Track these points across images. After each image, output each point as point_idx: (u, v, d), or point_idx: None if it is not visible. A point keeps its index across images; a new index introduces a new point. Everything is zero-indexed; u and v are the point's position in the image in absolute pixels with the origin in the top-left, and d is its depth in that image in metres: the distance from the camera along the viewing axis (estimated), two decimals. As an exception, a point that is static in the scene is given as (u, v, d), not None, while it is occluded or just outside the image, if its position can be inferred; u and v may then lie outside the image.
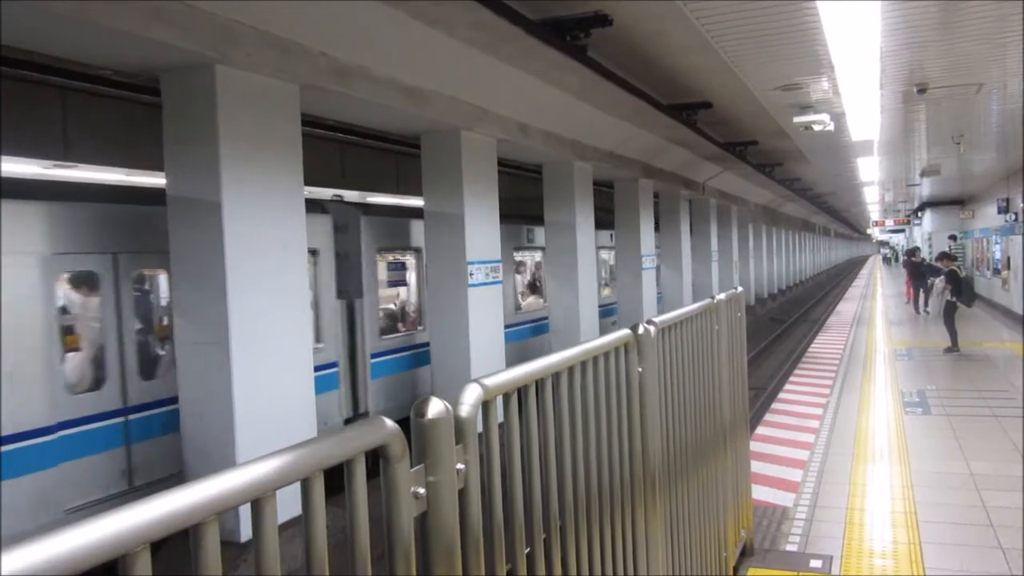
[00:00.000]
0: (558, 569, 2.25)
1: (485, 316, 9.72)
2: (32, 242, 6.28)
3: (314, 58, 6.73)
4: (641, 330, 3.07)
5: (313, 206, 8.62)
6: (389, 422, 1.54)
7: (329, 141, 12.13)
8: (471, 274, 9.41)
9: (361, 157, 13.11)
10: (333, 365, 9.22)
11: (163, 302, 7.47)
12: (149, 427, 7.06)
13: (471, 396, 1.84)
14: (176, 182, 6.18)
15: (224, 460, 5.98)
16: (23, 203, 6.28)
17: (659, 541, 3.10)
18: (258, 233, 6.30)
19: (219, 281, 6.01)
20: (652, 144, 14.58)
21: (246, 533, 5.54)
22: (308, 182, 7.10)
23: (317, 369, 7.23)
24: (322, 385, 8.28)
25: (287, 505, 1.53)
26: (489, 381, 1.94)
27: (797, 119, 11.28)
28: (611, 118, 11.90)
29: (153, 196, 7.10)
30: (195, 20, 5.60)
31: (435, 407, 1.69)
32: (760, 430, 8.52)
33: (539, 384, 2.22)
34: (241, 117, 6.18)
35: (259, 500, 1.22)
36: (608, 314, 16.03)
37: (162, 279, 7.39)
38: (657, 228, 17.93)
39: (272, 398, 6.32)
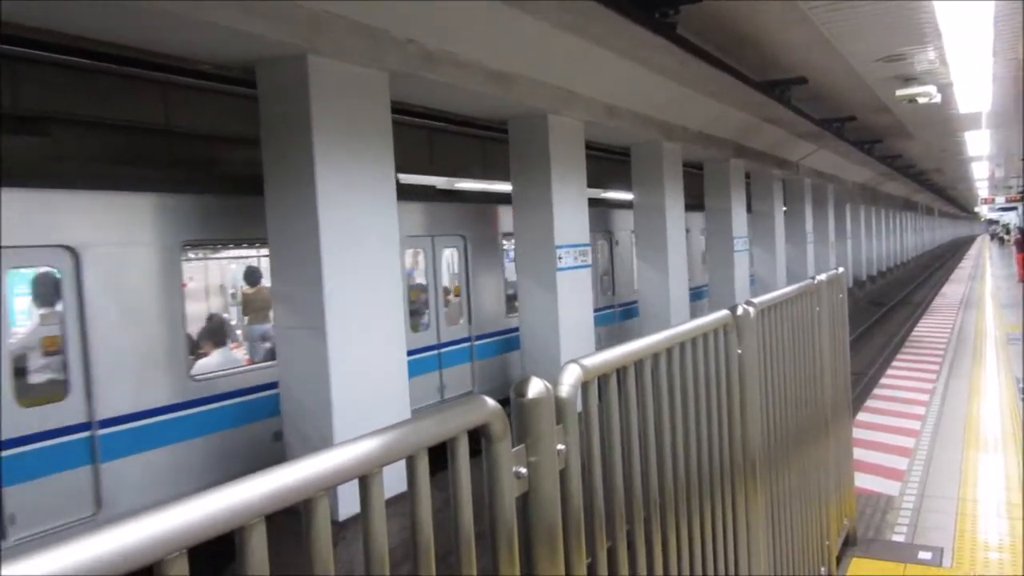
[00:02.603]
0: (658, 553, 2.21)
1: (574, 300, 9.67)
2: None
3: (402, 45, 6.80)
4: (740, 311, 2.97)
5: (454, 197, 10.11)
6: (491, 401, 1.53)
7: (417, 128, 12.27)
8: (560, 258, 9.37)
9: (448, 143, 13.22)
10: (468, 340, 9.87)
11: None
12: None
13: (571, 376, 1.82)
14: (272, 171, 6.36)
15: (322, 442, 6.15)
16: None
17: (760, 529, 3.01)
18: (351, 219, 6.42)
19: (314, 267, 6.16)
20: (743, 123, 14.17)
21: (343, 512, 5.69)
22: (397, 169, 7.20)
23: (458, 343, 9.65)
24: (462, 357, 9.91)
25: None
26: (588, 361, 1.91)
27: (900, 92, 10.77)
28: (701, 97, 11.61)
29: None
30: (288, 12, 5.73)
31: (535, 387, 1.67)
32: (861, 416, 8.21)
33: (638, 366, 2.18)
34: (333, 105, 6.30)
35: (366, 477, 1.22)
36: (696, 298, 15.72)
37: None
38: (749, 210, 17.46)
39: (367, 381, 6.45)
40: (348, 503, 1.19)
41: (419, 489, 1.34)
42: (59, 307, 5.89)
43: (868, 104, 13.50)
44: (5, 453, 5.36)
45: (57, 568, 0.77)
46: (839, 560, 4.52)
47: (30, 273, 5.86)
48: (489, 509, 1.53)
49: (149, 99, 8.81)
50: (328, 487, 1.13)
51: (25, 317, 5.95)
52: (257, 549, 1.01)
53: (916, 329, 15.29)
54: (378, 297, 6.68)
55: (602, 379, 2.00)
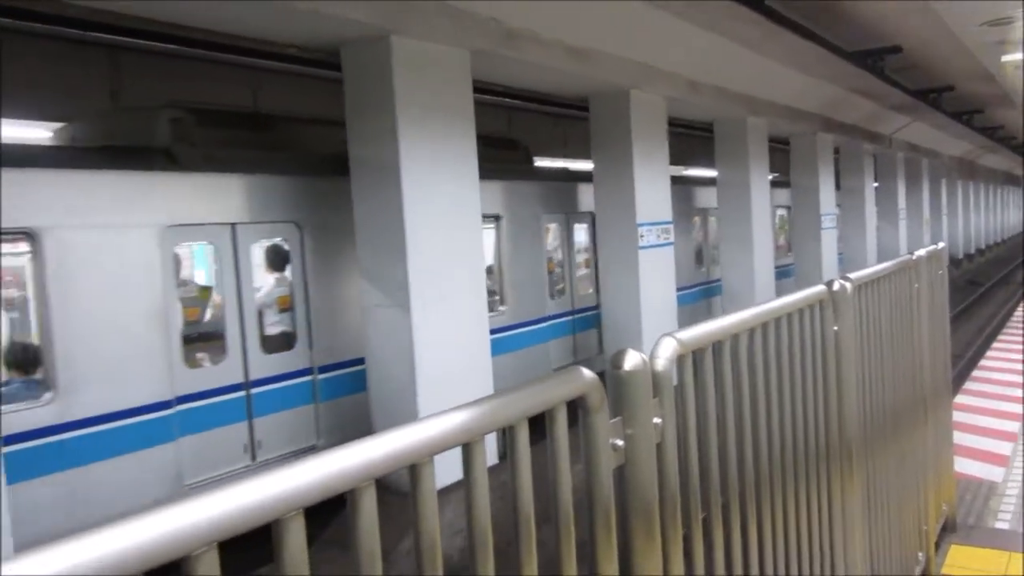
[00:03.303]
0: (752, 531, 2.17)
1: (656, 278, 9.56)
2: None
3: (484, 24, 6.79)
4: (837, 286, 2.88)
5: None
6: (588, 372, 1.52)
7: (497, 107, 12.26)
8: (641, 236, 9.26)
9: (528, 121, 13.17)
10: (569, 313, 9.97)
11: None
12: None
13: (667, 349, 1.79)
14: (357, 150, 6.47)
15: (407, 418, 6.26)
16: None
17: (856, 510, 2.93)
18: (435, 197, 6.49)
19: (399, 245, 6.26)
20: (832, 95, 13.65)
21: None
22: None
23: (588, 310, 9.63)
24: (592, 323, 10.06)
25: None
26: (683, 335, 1.88)
27: (1005, 58, 10.18)
28: (787, 70, 11.24)
29: None
30: (373, -7, 5.79)
31: (632, 359, 1.65)
32: (959, 399, 7.87)
33: (733, 340, 2.13)
34: (416, 85, 6.36)
35: (469, 444, 1.24)
36: (781, 276, 15.30)
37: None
38: (838, 186, 16.85)
39: (450, 359, 6.53)
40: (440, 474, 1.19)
41: (519, 458, 1.34)
42: (287, 272, 6.86)
43: (969, 72, 12.81)
44: (255, 391, 6.40)
45: (188, 523, 0.80)
46: (937, 546, 4.36)
47: (267, 244, 6.80)
48: (587, 481, 1.53)
49: (239, 83, 9.07)
50: (434, 453, 1.14)
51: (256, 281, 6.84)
52: (367, 511, 1.03)
53: (1019, 309, 14.53)
54: (461, 276, 6.75)
55: (697, 354, 1.97)
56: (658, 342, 1.82)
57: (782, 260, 16.09)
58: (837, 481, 2.79)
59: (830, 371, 2.78)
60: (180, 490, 5.81)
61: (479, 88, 9.06)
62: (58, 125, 7.27)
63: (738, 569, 2.07)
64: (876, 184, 19.91)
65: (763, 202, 12.62)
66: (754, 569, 2.15)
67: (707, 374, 2.02)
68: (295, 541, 0.90)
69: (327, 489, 0.96)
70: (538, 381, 1.45)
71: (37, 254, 5.23)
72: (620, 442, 1.60)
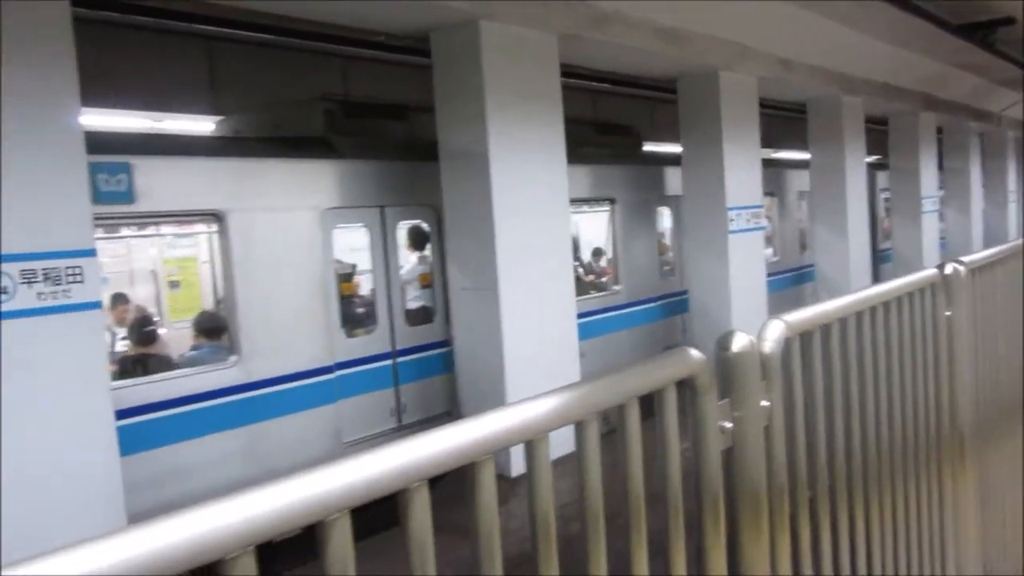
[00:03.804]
0: (859, 517, 2.10)
1: (747, 264, 9.34)
2: None
3: (573, 7, 6.75)
4: (949, 270, 2.75)
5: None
6: (697, 352, 1.51)
7: (583, 91, 12.17)
8: (731, 220, 9.06)
9: (614, 104, 13.03)
10: (679, 294, 9.97)
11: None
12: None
13: (774, 332, 1.75)
14: (447, 136, 6.54)
15: (495, 400, 6.33)
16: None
17: (970, 506, 2.80)
18: (523, 182, 6.51)
19: (487, 229, 6.30)
20: (935, 72, 12.99)
21: (516, 469, 5.84)
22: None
23: (671, 296, 9.68)
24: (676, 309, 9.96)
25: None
26: (791, 317, 1.84)
27: None
28: (886, 45, 10.75)
29: None
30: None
31: (740, 341, 1.63)
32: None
33: (842, 324, 2.07)
34: (504, 70, 6.37)
35: (582, 423, 1.24)
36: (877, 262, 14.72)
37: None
38: (940, 167, 16.06)
39: (538, 341, 6.56)
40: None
41: (630, 436, 1.34)
42: (427, 251, 7.27)
43: (1088, 44, 11.98)
44: (400, 360, 6.86)
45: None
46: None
47: (409, 225, 7.23)
48: (696, 462, 1.51)
49: (331, 72, 9.28)
50: (550, 430, 1.15)
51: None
52: (487, 485, 1.05)
53: None
54: (549, 260, 6.76)
55: (804, 337, 1.92)
56: (765, 324, 1.78)
57: (879, 245, 15.48)
58: (948, 473, 2.68)
59: (942, 358, 2.66)
60: (340, 447, 6.35)
61: (565, 72, 9.02)
62: (218, 118, 7.84)
63: (844, 556, 2.02)
64: (983, 164, 18.89)
65: (859, 185, 12.15)
66: (861, 558, 2.09)
67: (815, 357, 1.96)
68: (420, 510, 0.93)
69: (451, 462, 0.98)
70: (648, 361, 1.45)
71: (223, 233, 5.80)
72: (728, 424, 1.58)
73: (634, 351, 9.03)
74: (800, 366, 1.85)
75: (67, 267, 4.14)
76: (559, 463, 1.26)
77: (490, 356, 6.42)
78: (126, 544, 0.69)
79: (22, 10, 4.02)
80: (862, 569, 2.09)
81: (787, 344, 1.80)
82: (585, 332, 8.23)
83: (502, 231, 6.34)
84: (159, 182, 5.41)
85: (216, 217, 5.77)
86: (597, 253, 10.47)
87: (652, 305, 9.69)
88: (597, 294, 9.21)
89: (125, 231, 6.13)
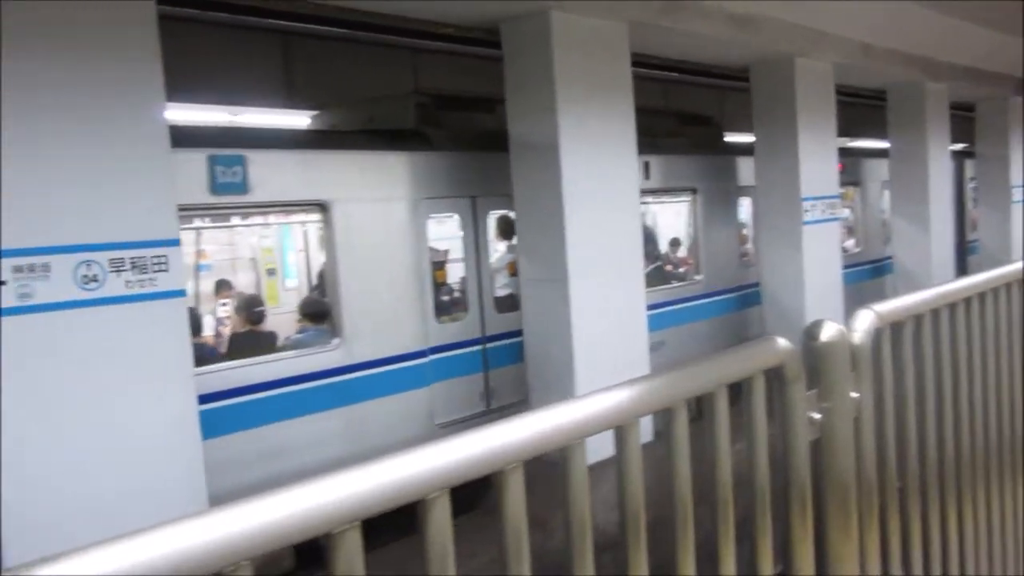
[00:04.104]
0: (952, 518, 2.03)
1: (822, 255, 9.11)
2: None
3: (644, -6, 6.66)
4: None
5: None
6: (785, 342, 1.48)
7: (653, 80, 12.02)
8: (806, 211, 8.84)
9: (684, 94, 12.84)
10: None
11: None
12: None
13: (864, 322, 1.70)
14: (517, 127, 6.54)
15: (563, 392, 6.32)
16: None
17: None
18: (593, 173, 6.47)
19: (558, 220, 6.29)
20: (1027, 54, 12.39)
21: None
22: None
23: (753, 286, 9.43)
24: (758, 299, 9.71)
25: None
26: (881, 308, 1.78)
27: None
28: (973, 26, 10.30)
29: None
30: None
31: (829, 330, 1.59)
32: None
33: (934, 315, 1.99)
34: (575, 60, 6.33)
35: (671, 409, 1.23)
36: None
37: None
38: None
39: (607, 333, 6.52)
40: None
41: (718, 424, 1.32)
42: (514, 240, 7.30)
43: None
44: (489, 346, 7.07)
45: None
46: None
47: (498, 214, 7.45)
48: (783, 452, 1.48)
49: (402, 65, 9.39)
50: (640, 416, 1.14)
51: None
52: (579, 467, 1.05)
53: None
54: (619, 251, 6.71)
55: (895, 327, 1.85)
56: (855, 314, 1.74)
57: (967, 236, 14.89)
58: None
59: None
60: (433, 429, 6.57)
61: (635, 62, 8.93)
62: (313, 112, 8.12)
63: (936, 555, 1.95)
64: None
65: (942, 175, 11.69)
66: (953, 558, 2.02)
67: (906, 349, 1.90)
68: (515, 491, 0.93)
69: (542, 446, 0.98)
70: (736, 349, 1.42)
71: (327, 223, 6.08)
72: (817, 415, 1.54)
73: (714, 341, 9.02)
74: (891, 357, 1.79)
75: (153, 256, 4.30)
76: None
77: (559, 347, 6.41)
78: (243, 515, 0.72)
79: (111, 9, 4.18)
80: (954, 569, 2.01)
81: (877, 335, 1.74)
82: (664, 321, 8.30)
83: (572, 222, 6.31)
84: (270, 174, 5.71)
85: (321, 207, 6.05)
86: (674, 243, 10.40)
87: (732, 295, 9.64)
88: (677, 284, 9.27)
89: (233, 221, 6.47)
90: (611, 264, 6.64)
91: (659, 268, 9.55)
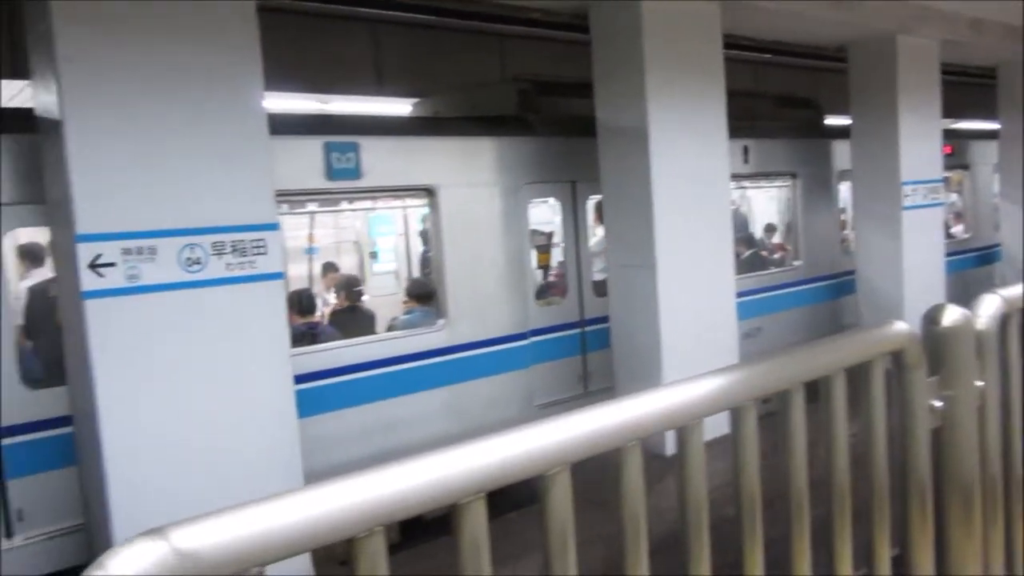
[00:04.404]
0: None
1: (922, 242, 8.71)
2: None
3: (736, -28, 6.48)
4: None
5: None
6: (906, 325, 1.41)
7: (744, 62, 11.70)
8: (906, 196, 8.46)
9: (775, 76, 12.46)
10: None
11: None
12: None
13: (990, 307, 1.61)
14: (605, 112, 6.47)
15: (650, 379, 6.24)
16: None
17: None
18: (683, 158, 6.35)
19: (646, 206, 6.20)
20: None
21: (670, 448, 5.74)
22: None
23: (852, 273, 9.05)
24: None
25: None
26: (1008, 292, 1.68)
27: None
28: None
29: None
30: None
31: (952, 315, 1.50)
32: None
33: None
34: (665, 42, 6.21)
35: (788, 391, 1.19)
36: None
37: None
38: None
39: (695, 320, 6.41)
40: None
41: (835, 408, 1.27)
42: None
43: None
44: (587, 329, 7.21)
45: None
46: None
47: (597, 199, 7.38)
48: (902, 439, 1.42)
49: (489, 51, 9.42)
50: (759, 397, 1.11)
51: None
52: (696, 446, 1.02)
53: None
54: (708, 237, 6.58)
55: None
56: (980, 299, 1.64)
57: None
58: None
59: None
60: (532, 410, 6.73)
61: (726, 43, 8.71)
62: (414, 100, 8.34)
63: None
64: None
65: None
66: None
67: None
68: (633, 466, 0.91)
69: (662, 424, 0.96)
70: (853, 333, 1.36)
71: (434, 207, 6.30)
72: (938, 403, 1.47)
73: (812, 329, 8.83)
74: (1019, 344, 1.68)
75: (252, 240, 4.43)
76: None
77: (646, 334, 6.33)
78: (373, 482, 0.72)
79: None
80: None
81: (1004, 320, 1.65)
82: (762, 308, 8.19)
83: (660, 207, 6.21)
84: (381, 160, 5.92)
85: (428, 192, 6.25)
86: (769, 229, 10.16)
87: (832, 282, 9.41)
88: (775, 270, 9.13)
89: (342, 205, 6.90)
90: (700, 250, 6.51)
91: (756, 254, 9.34)
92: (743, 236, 9.76)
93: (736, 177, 8.34)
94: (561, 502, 0.87)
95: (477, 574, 0.81)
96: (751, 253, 9.29)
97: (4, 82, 8.10)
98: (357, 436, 5.72)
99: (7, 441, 4.57)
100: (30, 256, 6.03)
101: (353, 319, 6.73)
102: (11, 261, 5.31)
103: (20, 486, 4.62)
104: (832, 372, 1.26)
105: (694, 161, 6.46)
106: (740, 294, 7.19)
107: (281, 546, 0.66)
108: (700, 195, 6.51)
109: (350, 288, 7.18)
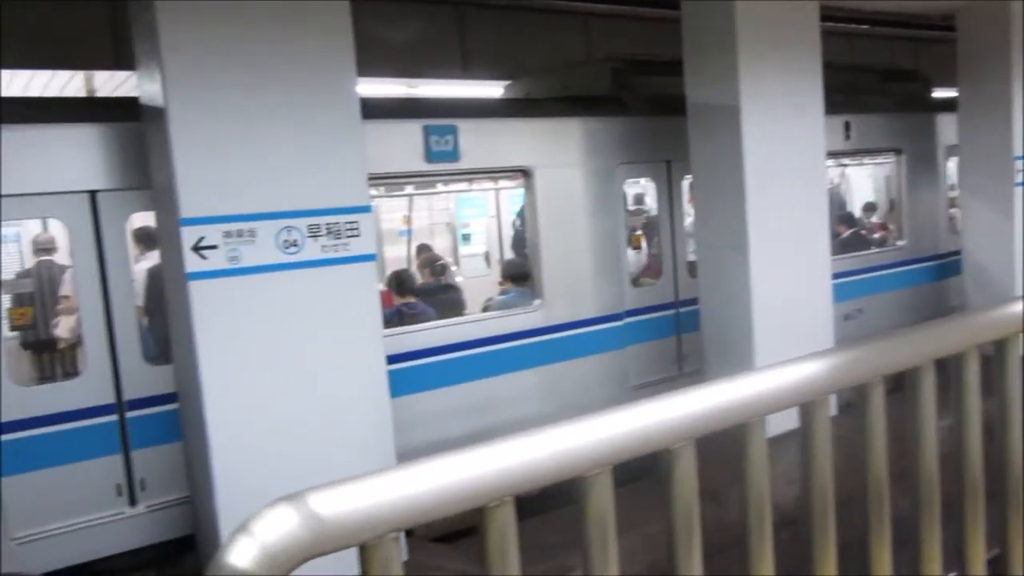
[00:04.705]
0: None
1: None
2: None
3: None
4: None
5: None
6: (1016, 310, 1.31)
7: (838, 34, 11.25)
8: (1019, 171, 7.98)
9: (873, 47, 11.94)
10: None
11: None
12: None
13: None
14: (695, 89, 6.32)
15: (741, 362, 6.10)
16: None
17: None
18: (776, 136, 6.17)
19: (737, 185, 6.05)
20: None
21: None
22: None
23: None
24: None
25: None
26: None
27: None
28: None
29: None
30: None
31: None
32: None
33: None
34: (758, 16, 6.02)
35: (918, 368, 1.12)
36: None
37: None
38: None
39: (789, 304, 6.23)
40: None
41: (967, 392, 1.20)
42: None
43: None
44: (682, 310, 7.15)
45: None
46: None
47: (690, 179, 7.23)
48: (1000, 432, 1.31)
49: (575, 31, 9.33)
50: (886, 373, 1.05)
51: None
52: (822, 426, 0.98)
53: None
54: (803, 220, 6.38)
55: None
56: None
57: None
58: None
59: None
60: (628, 391, 6.70)
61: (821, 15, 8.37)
62: (505, 82, 8.35)
63: None
64: None
65: None
66: None
67: None
68: (758, 443, 0.88)
69: (787, 401, 0.92)
70: (945, 321, 1.27)
71: (529, 188, 6.33)
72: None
73: (917, 311, 8.54)
74: None
75: (346, 222, 4.52)
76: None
77: (737, 316, 6.19)
78: (503, 453, 0.72)
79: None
80: None
81: None
82: (863, 289, 7.99)
83: (753, 187, 6.05)
84: (478, 142, 5.99)
85: (524, 173, 6.29)
86: (869, 208, 9.79)
87: (938, 262, 9.08)
88: (878, 250, 8.90)
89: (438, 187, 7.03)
90: (795, 230, 6.31)
91: (857, 233, 9.02)
92: (843, 215, 9.41)
93: (836, 154, 8.05)
94: (687, 472, 0.86)
95: (603, 546, 0.81)
96: (851, 233, 8.95)
97: (106, 74, 8.52)
98: (453, 415, 5.81)
99: (131, 414, 4.85)
100: (144, 240, 6.32)
101: (439, 290, 6.91)
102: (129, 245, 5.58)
103: (142, 457, 4.89)
104: (966, 349, 1.18)
105: (788, 139, 6.25)
106: (839, 275, 6.96)
107: (415, 512, 0.66)
108: (795, 173, 6.30)
109: (432, 264, 7.40)
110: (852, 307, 7.51)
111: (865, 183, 10.06)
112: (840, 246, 8.34)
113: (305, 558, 0.71)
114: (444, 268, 7.36)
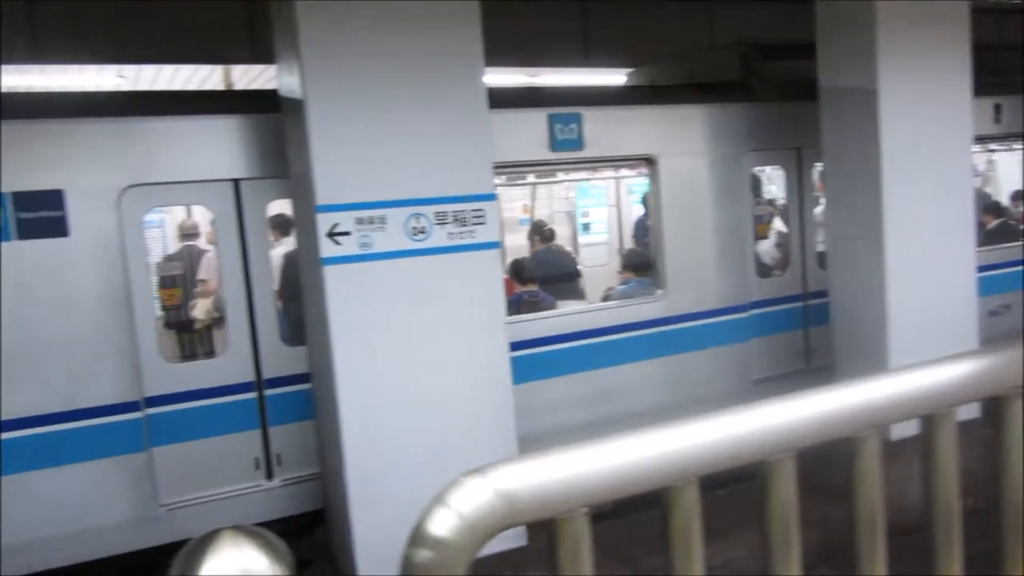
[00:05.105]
0: None
1: None
2: None
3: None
4: None
5: None
6: None
7: (983, 10, 10.51)
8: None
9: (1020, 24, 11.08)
10: None
11: None
12: None
13: None
14: (828, 74, 6.05)
15: (874, 358, 5.83)
16: None
17: None
18: (916, 120, 5.82)
19: (873, 173, 5.76)
20: None
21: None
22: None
23: None
24: None
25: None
26: None
27: None
28: None
29: None
30: None
31: None
32: None
33: None
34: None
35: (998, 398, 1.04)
36: None
37: None
38: None
39: (928, 299, 5.89)
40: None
41: None
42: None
43: None
44: (811, 302, 7.02)
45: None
46: None
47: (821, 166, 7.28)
48: None
49: (698, 17, 9.13)
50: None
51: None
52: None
53: None
54: (944, 210, 6.00)
55: None
56: None
57: None
58: None
59: None
60: (748, 385, 6.67)
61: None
62: (628, 70, 8.41)
63: None
64: None
65: None
66: None
67: None
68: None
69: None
70: None
71: (654, 176, 6.31)
72: None
73: None
74: None
75: (472, 210, 4.61)
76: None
77: (871, 310, 5.90)
78: (686, 435, 0.72)
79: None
80: None
81: None
82: (1010, 283, 7.70)
83: (889, 174, 5.73)
84: (602, 130, 6.00)
85: (649, 162, 6.26)
86: (1019, 196, 9.15)
87: None
88: None
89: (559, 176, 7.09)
90: (934, 219, 5.95)
91: (1005, 223, 8.45)
92: (990, 204, 8.83)
93: (983, 139, 7.56)
94: (871, 461, 0.84)
95: (784, 530, 0.80)
96: (998, 223, 8.39)
97: (243, 67, 8.97)
98: (572, 403, 5.85)
99: (268, 392, 5.14)
100: (279, 226, 6.66)
101: (566, 288, 7.00)
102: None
103: (279, 433, 5.18)
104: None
105: (930, 123, 5.89)
106: (984, 268, 6.53)
107: (605, 488, 0.68)
108: (936, 159, 5.94)
109: (540, 230, 7.46)
110: (998, 303, 7.04)
111: (1016, 170, 9.38)
112: (986, 237, 7.82)
113: (499, 528, 0.74)
114: (552, 233, 7.37)
